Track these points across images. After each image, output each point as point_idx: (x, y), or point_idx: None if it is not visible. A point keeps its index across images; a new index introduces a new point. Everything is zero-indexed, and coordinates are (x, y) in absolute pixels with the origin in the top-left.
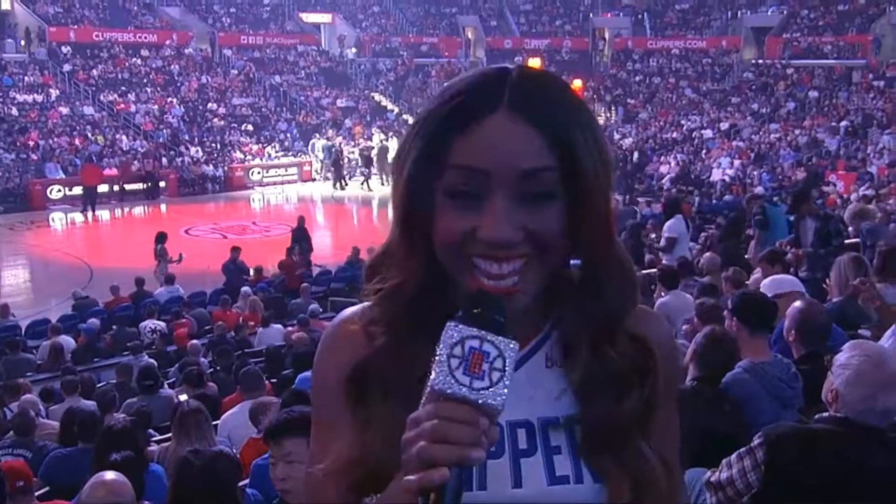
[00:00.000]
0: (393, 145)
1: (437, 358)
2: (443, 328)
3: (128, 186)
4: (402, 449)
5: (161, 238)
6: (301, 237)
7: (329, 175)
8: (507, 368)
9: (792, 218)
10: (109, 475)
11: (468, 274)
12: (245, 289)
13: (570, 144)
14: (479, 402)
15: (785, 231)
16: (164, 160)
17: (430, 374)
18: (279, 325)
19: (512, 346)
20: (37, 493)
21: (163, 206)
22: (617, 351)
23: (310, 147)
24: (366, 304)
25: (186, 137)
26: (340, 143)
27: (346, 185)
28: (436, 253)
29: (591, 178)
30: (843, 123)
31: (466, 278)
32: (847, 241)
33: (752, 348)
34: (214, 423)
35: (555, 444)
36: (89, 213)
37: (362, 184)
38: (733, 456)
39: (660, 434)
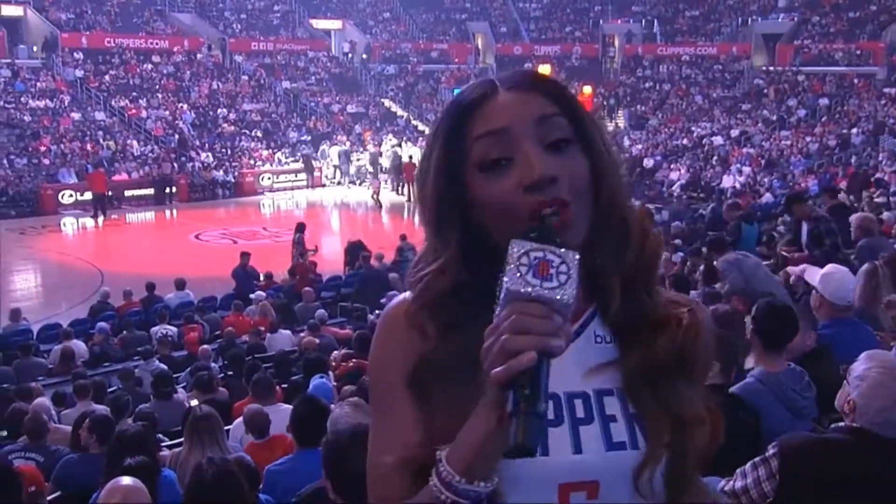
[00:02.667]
0: (406, 151)
1: (506, 268)
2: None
3: (138, 192)
4: (483, 357)
5: (301, 228)
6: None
7: (342, 180)
8: (571, 273)
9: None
10: (126, 480)
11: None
12: (257, 294)
13: (565, 96)
14: (553, 297)
15: (753, 251)
16: (175, 165)
17: (501, 287)
18: (287, 332)
19: (573, 254)
20: (49, 498)
21: (173, 211)
22: (652, 300)
23: (320, 153)
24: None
25: (197, 143)
26: (384, 146)
27: (378, 191)
28: (491, 232)
29: (590, 121)
30: (855, 130)
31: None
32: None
33: (767, 359)
34: (226, 427)
35: (610, 413)
36: (100, 219)
37: (394, 189)
38: (748, 465)
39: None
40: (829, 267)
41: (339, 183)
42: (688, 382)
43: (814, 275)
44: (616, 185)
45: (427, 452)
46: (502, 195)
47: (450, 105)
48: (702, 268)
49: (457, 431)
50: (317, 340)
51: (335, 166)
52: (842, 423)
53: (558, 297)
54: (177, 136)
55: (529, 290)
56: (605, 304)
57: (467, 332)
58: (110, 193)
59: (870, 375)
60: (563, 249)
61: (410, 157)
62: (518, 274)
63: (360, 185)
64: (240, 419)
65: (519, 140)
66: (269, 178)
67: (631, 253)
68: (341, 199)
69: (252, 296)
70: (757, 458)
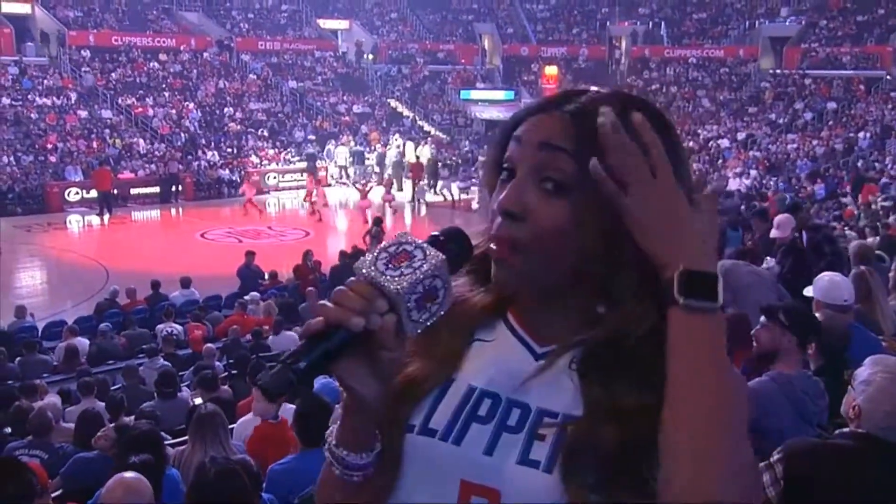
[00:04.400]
0: (413, 151)
1: (374, 253)
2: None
3: (144, 190)
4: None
5: (378, 222)
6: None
7: (347, 180)
8: (421, 271)
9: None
10: (129, 475)
11: None
12: (254, 294)
13: (594, 134)
14: (382, 283)
15: None
16: (181, 164)
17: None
18: (291, 333)
19: (441, 256)
20: (53, 496)
21: (179, 210)
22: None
23: (325, 153)
24: None
25: (203, 142)
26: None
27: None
28: None
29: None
30: (861, 134)
31: None
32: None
33: (788, 360)
34: (230, 426)
35: (541, 433)
36: (106, 216)
37: (437, 192)
38: None
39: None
40: (822, 274)
41: (344, 183)
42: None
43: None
44: (601, 250)
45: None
46: (491, 206)
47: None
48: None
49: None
50: None
51: (341, 167)
52: (846, 429)
53: (391, 285)
54: (184, 135)
55: (365, 271)
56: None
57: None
58: (116, 191)
59: (875, 380)
60: (435, 251)
61: (417, 158)
62: (373, 256)
63: (366, 185)
64: (244, 418)
65: (522, 159)
66: (274, 178)
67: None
68: (346, 199)
69: (247, 297)
70: (761, 464)
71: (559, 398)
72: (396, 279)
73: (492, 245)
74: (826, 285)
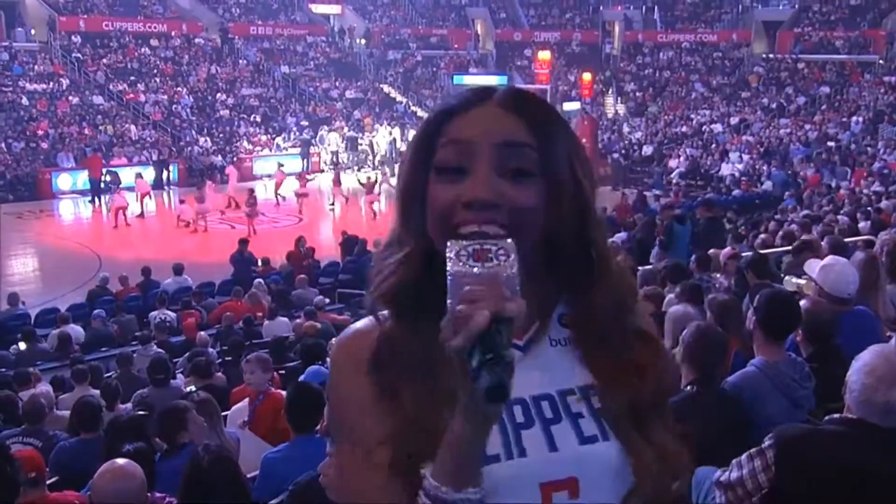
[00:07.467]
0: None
1: (448, 264)
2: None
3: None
4: (443, 338)
5: None
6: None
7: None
8: (510, 253)
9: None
10: (121, 461)
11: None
12: (258, 281)
13: (548, 129)
14: (497, 272)
15: (685, 252)
16: (173, 150)
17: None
18: (284, 319)
19: (508, 240)
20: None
21: (172, 196)
22: (624, 343)
23: (318, 138)
24: (369, 318)
25: (193, 127)
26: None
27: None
28: (430, 234)
29: (566, 162)
30: (854, 119)
31: None
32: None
33: (767, 348)
34: (224, 413)
35: (576, 411)
36: (97, 203)
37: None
38: (743, 456)
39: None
40: (830, 258)
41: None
42: (662, 420)
43: (813, 266)
44: (572, 224)
45: (395, 442)
46: (444, 203)
47: (441, 103)
48: (693, 256)
49: (416, 424)
50: (318, 325)
51: (333, 152)
52: (836, 415)
53: (504, 271)
54: (174, 121)
55: (474, 269)
56: (568, 306)
57: (423, 327)
58: (108, 178)
59: (863, 357)
60: (497, 240)
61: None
62: (460, 262)
63: (358, 171)
64: (237, 405)
65: (477, 157)
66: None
67: (602, 295)
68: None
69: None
70: (753, 450)
71: (563, 376)
72: (503, 266)
73: (469, 230)
74: (835, 277)
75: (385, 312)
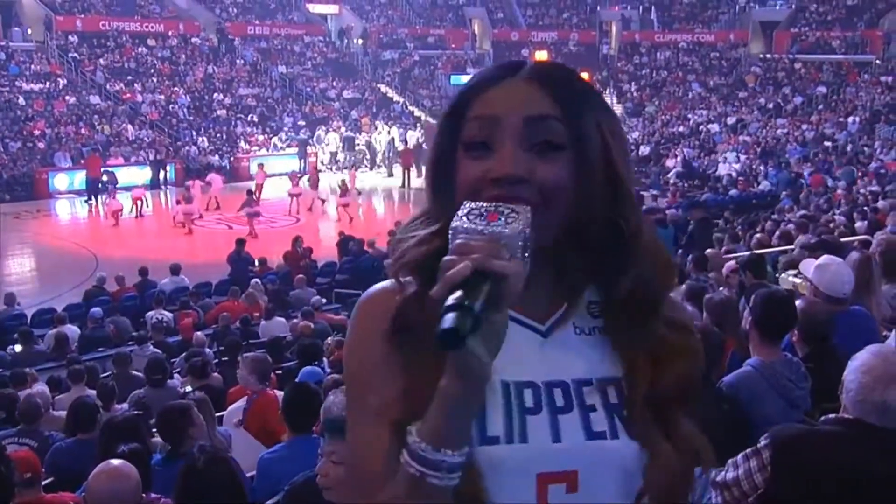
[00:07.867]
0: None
1: (454, 218)
2: None
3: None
4: (436, 292)
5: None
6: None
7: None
8: (521, 218)
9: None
10: (116, 462)
11: None
12: (255, 282)
13: (575, 101)
14: (497, 231)
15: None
16: (170, 150)
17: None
18: (282, 319)
19: (525, 207)
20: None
21: (169, 196)
22: (656, 326)
23: (315, 138)
24: (390, 281)
25: (192, 127)
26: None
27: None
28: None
29: (595, 134)
30: (851, 119)
31: None
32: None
33: (763, 348)
34: (219, 414)
35: (589, 403)
36: (93, 202)
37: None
38: (739, 456)
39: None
40: (825, 258)
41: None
42: (688, 413)
43: (808, 266)
44: (603, 199)
45: (402, 404)
46: (472, 179)
47: (468, 80)
48: (690, 257)
49: (429, 387)
50: (312, 325)
51: (331, 152)
52: (832, 415)
53: (505, 230)
54: (171, 121)
55: (474, 226)
56: (577, 300)
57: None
58: (105, 178)
59: (860, 356)
60: (521, 206)
61: (405, 143)
62: (467, 220)
63: (356, 170)
64: (233, 405)
65: (502, 132)
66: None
67: (635, 277)
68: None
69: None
70: (749, 450)
71: (583, 365)
72: (506, 226)
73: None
74: (830, 277)
75: (408, 278)
